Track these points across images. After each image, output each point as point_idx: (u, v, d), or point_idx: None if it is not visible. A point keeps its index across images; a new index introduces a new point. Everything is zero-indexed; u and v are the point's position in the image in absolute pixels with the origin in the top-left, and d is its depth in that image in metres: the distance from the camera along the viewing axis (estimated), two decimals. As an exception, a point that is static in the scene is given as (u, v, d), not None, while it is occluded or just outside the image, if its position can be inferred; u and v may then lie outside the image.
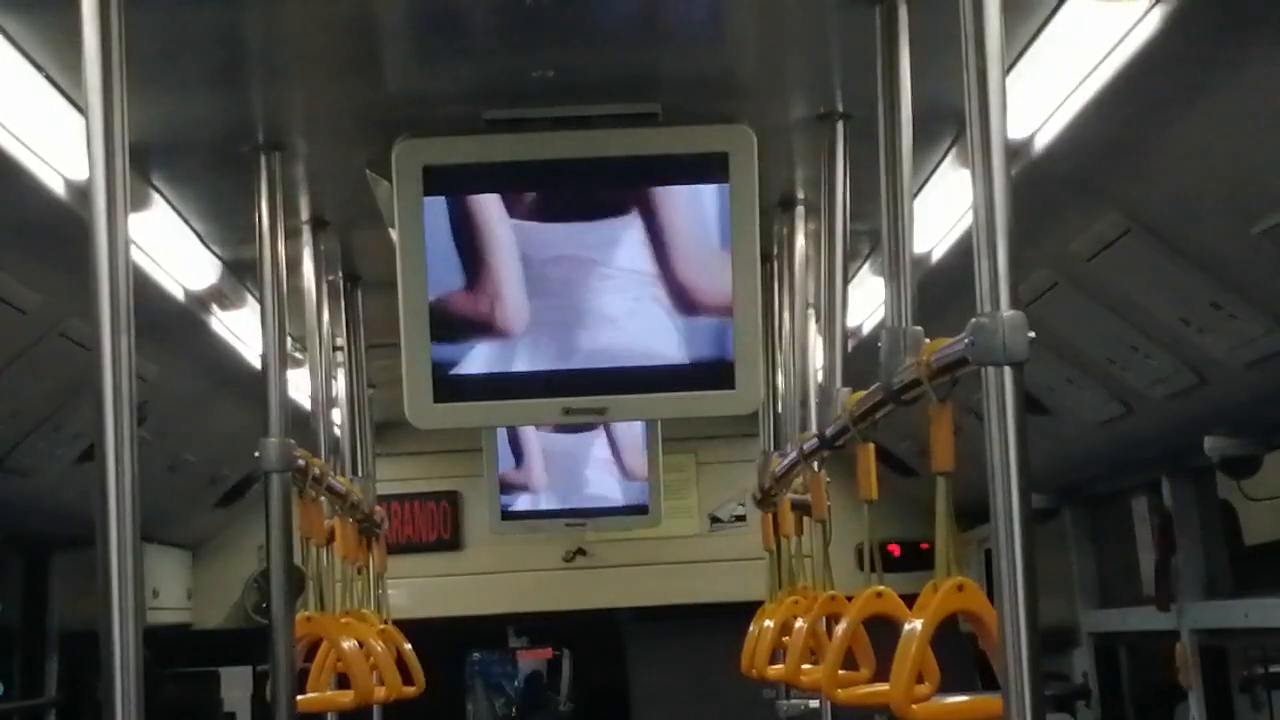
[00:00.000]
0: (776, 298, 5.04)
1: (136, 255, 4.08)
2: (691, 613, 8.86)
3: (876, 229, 3.40)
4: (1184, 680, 5.91)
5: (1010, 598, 2.43)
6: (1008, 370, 2.48)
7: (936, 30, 2.96)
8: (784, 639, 4.61)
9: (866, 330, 5.67)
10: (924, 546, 7.71)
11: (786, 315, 4.95)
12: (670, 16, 3.37)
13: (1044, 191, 3.97)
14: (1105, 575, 7.12)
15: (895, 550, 8.07)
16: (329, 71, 3.59)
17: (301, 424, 4.63)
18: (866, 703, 3.77)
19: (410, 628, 5.71)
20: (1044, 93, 3.60)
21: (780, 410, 5.20)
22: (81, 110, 2.68)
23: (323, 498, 4.65)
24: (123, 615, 2.56)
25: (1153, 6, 3.08)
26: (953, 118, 3.74)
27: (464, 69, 3.59)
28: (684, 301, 3.84)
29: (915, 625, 2.95)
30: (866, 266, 5.32)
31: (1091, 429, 5.55)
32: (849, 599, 3.79)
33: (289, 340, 4.48)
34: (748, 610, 5.38)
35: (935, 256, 4.75)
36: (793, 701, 6.11)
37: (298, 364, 5.46)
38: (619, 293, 3.84)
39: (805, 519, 4.72)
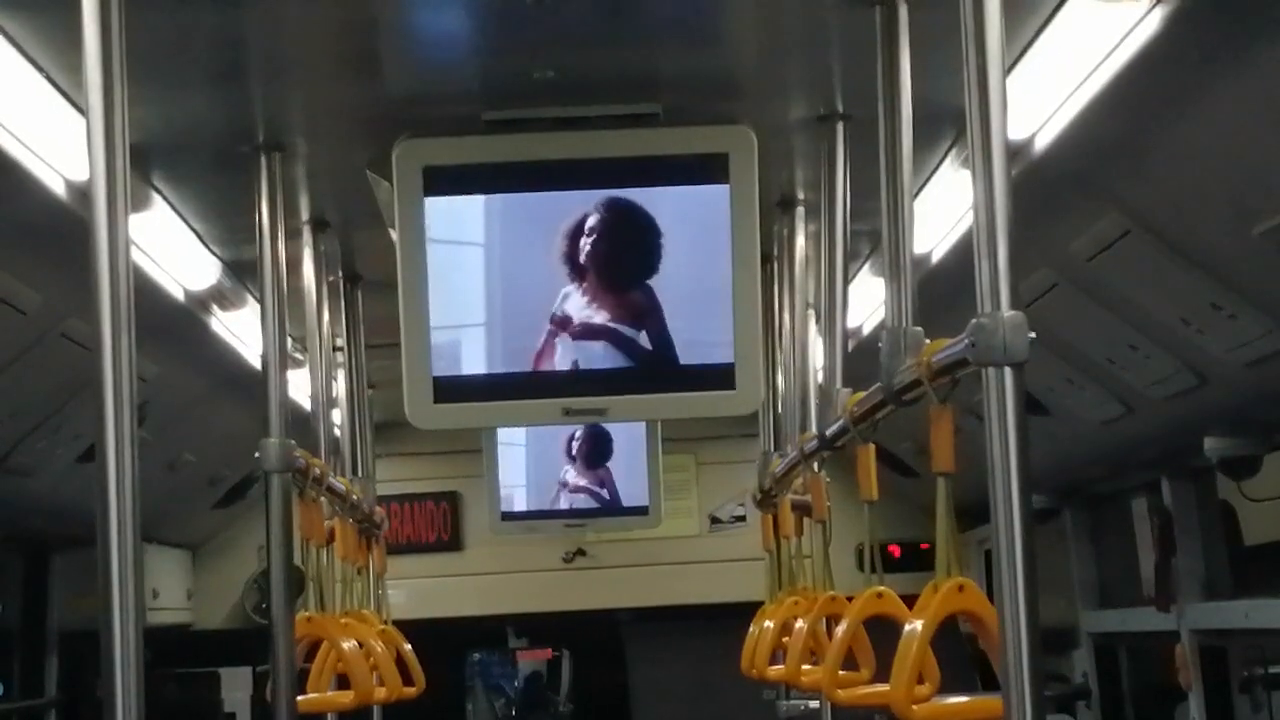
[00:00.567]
0: (776, 298, 5.04)
1: (137, 255, 4.07)
2: (691, 613, 8.86)
3: (877, 229, 3.40)
4: (1184, 681, 5.91)
5: (1010, 598, 2.43)
6: (1008, 371, 2.48)
7: (937, 31, 2.96)
8: (784, 639, 4.61)
9: (867, 331, 5.67)
10: (924, 547, 7.73)
11: (786, 316, 4.95)
12: (670, 17, 3.37)
13: (1044, 192, 3.97)
14: (1105, 576, 7.12)
15: (895, 551, 8.07)
16: (329, 72, 3.59)
17: (301, 424, 4.63)
18: (867, 703, 3.78)
19: (410, 628, 5.71)
20: (1044, 93, 3.60)
21: (780, 411, 5.20)
22: (82, 110, 2.68)
23: (323, 498, 4.65)
24: (123, 615, 2.56)
25: (1153, 7, 3.08)
26: (953, 118, 3.74)
27: (464, 69, 3.59)
28: (684, 302, 3.84)
29: (915, 626, 2.95)
30: (867, 267, 5.33)
31: (1092, 429, 5.55)
32: (849, 599, 3.79)
33: (289, 340, 4.48)
34: (748, 611, 5.38)
35: (935, 257, 4.75)
36: (793, 702, 6.12)
37: (298, 364, 5.46)
38: (619, 293, 3.84)
39: (805, 519, 4.72)
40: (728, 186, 3.77)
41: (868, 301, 5.49)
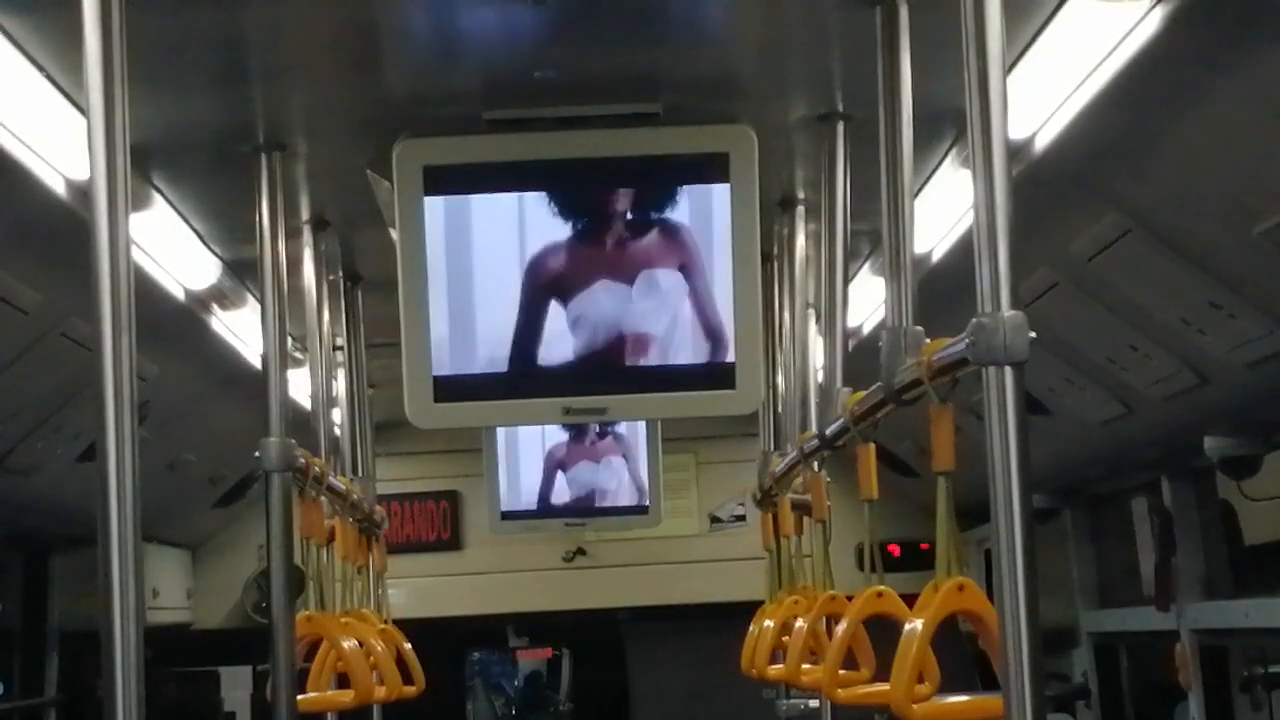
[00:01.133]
0: (777, 298, 5.04)
1: (137, 255, 4.07)
2: (691, 613, 8.86)
3: (877, 229, 3.40)
4: (1184, 680, 5.91)
5: (1010, 598, 2.43)
6: (1008, 370, 2.48)
7: (937, 31, 2.96)
8: (784, 639, 4.61)
9: (867, 330, 5.67)
10: (924, 546, 7.73)
11: (787, 315, 4.95)
12: (671, 17, 3.37)
13: (1045, 192, 3.97)
14: (1105, 575, 7.12)
15: (895, 550, 8.07)
16: (330, 71, 3.59)
17: (302, 424, 4.63)
18: (867, 703, 3.78)
19: (410, 627, 5.71)
20: (1045, 93, 3.60)
21: (780, 410, 5.20)
22: (82, 110, 2.68)
23: (323, 497, 4.65)
24: (123, 615, 2.56)
25: (1153, 7, 3.08)
26: (953, 118, 3.75)
27: (464, 69, 3.59)
28: (684, 301, 3.84)
29: (915, 625, 2.95)
30: (867, 266, 5.33)
31: (1092, 429, 5.55)
32: (849, 599, 3.79)
33: (289, 340, 4.48)
34: (748, 610, 5.38)
35: (936, 257, 4.75)
36: (792, 701, 6.12)
37: (298, 364, 5.46)
38: (619, 292, 3.85)
39: (805, 519, 4.72)
40: (728, 186, 3.77)
41: (868, 301, 5.49)
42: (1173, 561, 5.95)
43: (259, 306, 4.20)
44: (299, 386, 5.17)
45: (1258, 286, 3.95)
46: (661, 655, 9.23)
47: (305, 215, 4.69)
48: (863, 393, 3.54)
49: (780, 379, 5.19)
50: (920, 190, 4.26)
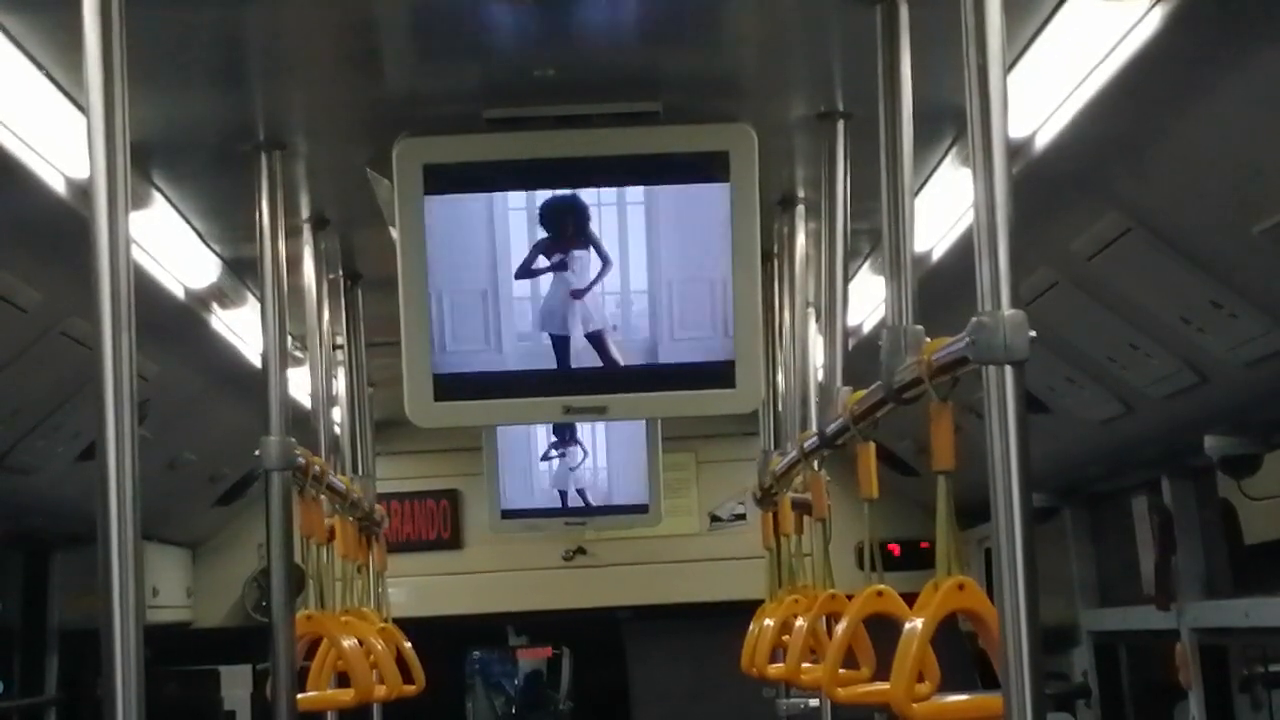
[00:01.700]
0: (777, 296, 5.04)
1: (137, 254, 4.06)
2: (691, 611, 8.86)
3: (877, 228, 3.40)
4: (1184, 679, 5.91)
5: (1010, 596, 2.43)
6: (1008, 369, 2.48)
7: (937, 29, 2.96)
8: (784, 638, 4.61)
9: (867, 329, 5.67)
10: (924, 545, 7.71)
11: (787, 314, 4.95)
12: (671, 15, 3.37)
13: (1045, 190, 3.97)
14: (1105, 574, 7.12)
15: (895, 549, 8.06)
16: (330, 70, 3.59)
17: (302, 422, 4.63)
18: (867, 701, 3.78)
19: (410, 626, 5.71)
20: (1045, 92, 3.60)
21: (780, 409, 5.20)
22: (82, 109, 2.68)
23: (323, 496, 4.65)
24: (123, 613, 2.56)
25: (1153, 6, 3.08)
26: (953, 117, 3.74)
27: (464, 68, 3.59)
28: (684, 300, 3.84)
29: (915, 624, 2.95)
30: (867, 265, 5.32)
31: (1092, 428, 5.55)
32: (849, 598, 3.79)
33: (289, 339, 4.48)
34: (748, 609, 5.38)
35: (936, 255, 4.75)
36: (793, 700, 6.11)
37: (298, 362, 5.46)
38: (619, 291, 3.85)
39: (805, 518, 4.72)
40: (728, 184, 3.77)
41: (868, 300, 5.49)
42: (1173, 560, 5.95)
43: (259, 305, 4.20)
44: (299, 385, 5.17)
45: (1258, 285, 3.95)
46: (661, 654, 9.23)
47: (305, 214, 4.69)
48: (863, 392, 3.54)
49: (780, 378, 5.19)
50: (920, 189, 4.26)
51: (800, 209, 4.70)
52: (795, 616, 4.50)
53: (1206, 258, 3.97)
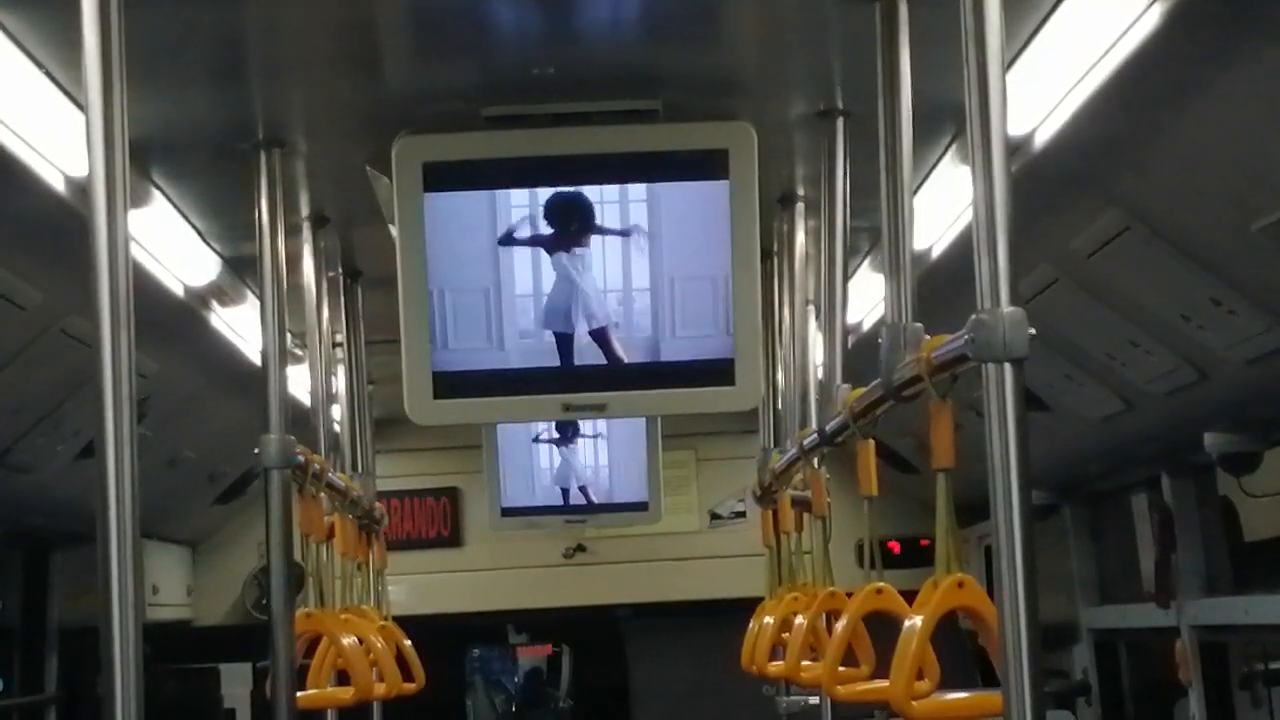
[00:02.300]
0: (777, 294, 5.04)
1: (136, 252, 4.08)
2: (691, 609, 8.86)
3: (877, 226, 3.40)
4: (1184, 677, 5.91)
5: (1010, 594, 2.43)
6: (1008, 367, 2.49)
7: (936, 27, 2.96)
8: (784, 635, 4.61)
9: (867, 327, 5.67)
10: (924, 543, 7.71)
11: (786, 311, 4.95)
12: (670, 13, 3.37)
13: (1044, 188, 3.97)
14: (1105, 572, 7.12)
15: (895, 547, 8.07)
16: (329, 68, 3.59)
17: (301, 420, 4.63)
18: (866, 699, 3.78)
19: (410, 624, 5.71)
20: (1044, 89, 3.60)
21: (780, 407, 5.20)
22: (81, 107, 2.68)
23: (322, 494, 4.65)
24: (123, 612, 2.56)
25: (1152, 3, 3.08)
26: (953, 114, 3.74)
27: (464, 66, 3.59)
28: (684, 298, 3.84)
29: (915, 622, 2.95)
30: (866, 263, 5.32)
31: (1092, 425, 5.55)
32: (849, 595, 3.79)
33: (289, 337, 4.48)
34: (748, 607, 5.39)
35: (935, 253, 4.75)
36: (793, 698, 6.12)
37: (297, 360, 5.46)
38: (619, 289, 3.85)
39: (805, 515, 4.72)
40: (728, 182, 3.77)
41: (868, 297, 5.49)
42: (1173, 558, 5.95)
43: (258, 303, 4.20)
44: (299, 383, 5.18)
45: (1258, 282, 3.95)
46: (661, 652, 9.23)
47: (305, 212, 4.69)
48: (862, 389, 3.54)
49: (780, 375, 5.19)
50: (920, 186, 4.26)
51: (800, 207, 4.70)
52: (795, 614, 4.50)
53: (1206, 255, 3.97)
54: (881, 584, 3.58)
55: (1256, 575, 5.77)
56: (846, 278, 4.13)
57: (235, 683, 9.07)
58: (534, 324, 3.87)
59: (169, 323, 5.21)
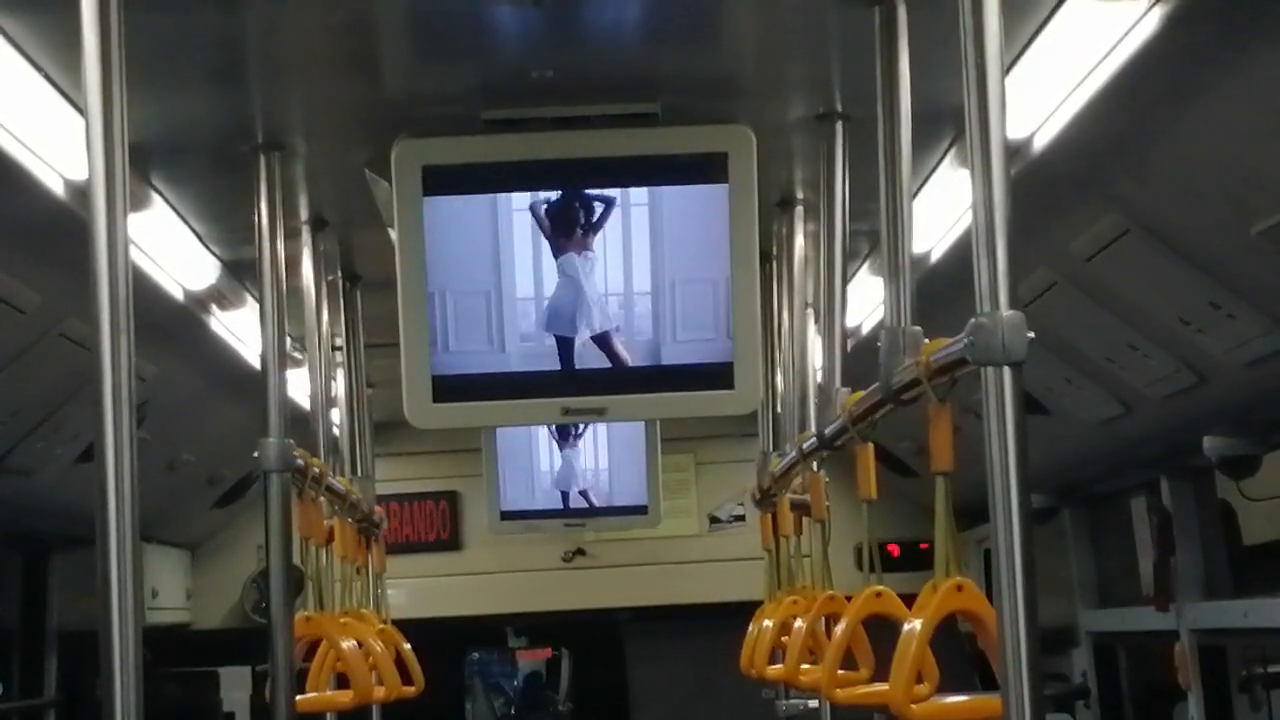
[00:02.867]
0: (776, 297, 5.04)
1: (136, 255, 4.08)
2: (691, 613, 8.85)
3: (876, 229, 3.40)
4: (1183, 680, 5.91)
5: (1009, 597, 2.43)
6: (1007, 370, 2.49)
7: (935, 30, 2.96)
8: (783, 639, 4.61)
9: (866, 330, 5.67)
10: (923, 546, 7.70)
11: (785, 315, 4.95)
12: (669, 17, 3.37)
13: (1043, 191, 3.97)
14: (1104, 575, 7.12)
15: (894, 550, 8.06)
16: (328, 72, 3.59)
17: (301, 424, 4.63)
18: (866, 702, 3.77)
19: (409, 627, 5.71)
20: (1043, 93, 3.60)
21: (779, 410, 5.20)
22: (81, 110, 2.68)
23: (322, 498, 4.65)
24: (122, 615, 2.56)
25: (1152, 6, 3.08)
26: (952, 118, 3.74)
27: (463, 69, 3.59)
28: (683, 301, 3.84)
29: (914, 625, 2.95)
30: (866, 266, 5.32)
31: (1091, 429, 5.55)
32: (848, 599, 3.78)
33: (288, 340, 4.48)
34: (747, 610, 5.38)
35: (934, 256, 4.75)
36: (792, 701, 6.11)
37: (297, 364, 5.46)
38: (618, 292, 3.85)
39: (804, 519, 4.72)
40: (727, 186, 3.77)
41: (867, 301, 5.49)
42: (1172, 561, 5.95)
43: (258, 306, 4.20)
44: (298, 386, 5.17)
45: (1257, 286, 3.95)
46: (661, 655, 9.23)
47: (304, 215, 4.69)
48: (861, 393, 3.54)
49: (779, 379, 5.19)
50: (919, 190, 4.26)
51: (799, 210, 4.71)
52: (794, 617, 4.50)
53: (1205, 258, 3.97)
54: (881, 587, 3.58)
55: (1255, 578, 5.78)
56: (846, 281, 4.13)
57: (234, 686, 9.07)
58: (535, 327, 3.86)
59: (168, 326, 5.21)
